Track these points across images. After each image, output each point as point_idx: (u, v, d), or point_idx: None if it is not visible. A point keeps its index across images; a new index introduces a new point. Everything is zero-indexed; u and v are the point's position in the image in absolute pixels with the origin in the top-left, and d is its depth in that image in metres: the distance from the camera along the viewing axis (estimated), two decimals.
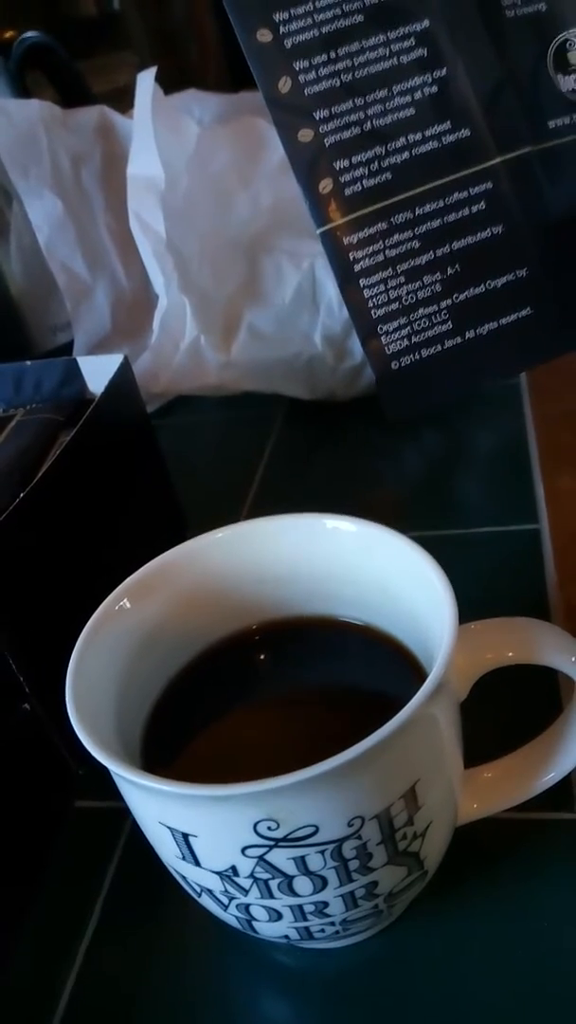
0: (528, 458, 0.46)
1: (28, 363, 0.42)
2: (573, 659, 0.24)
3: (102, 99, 0.66)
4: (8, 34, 0.74)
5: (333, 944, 0.26)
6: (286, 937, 0.25)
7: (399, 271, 0.41)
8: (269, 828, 0.21)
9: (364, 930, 0.26)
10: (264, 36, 0.40)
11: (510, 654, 0.25)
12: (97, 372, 0.40)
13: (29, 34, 0.74)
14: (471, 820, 0.27)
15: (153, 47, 0.98)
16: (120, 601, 0.27)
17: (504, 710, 0.30)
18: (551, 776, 0.26)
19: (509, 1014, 0.25)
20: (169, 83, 0.56)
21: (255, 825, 0.21)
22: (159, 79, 0.52)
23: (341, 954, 0.27)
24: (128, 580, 0.27)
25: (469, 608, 0.24)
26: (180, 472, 0.45)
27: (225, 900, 0.24)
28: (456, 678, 0.24)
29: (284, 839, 0.21)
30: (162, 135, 0.50)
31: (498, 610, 0.25)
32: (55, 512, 0.33)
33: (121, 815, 0.31)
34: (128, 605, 0.27)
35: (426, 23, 0.41)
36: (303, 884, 0.22)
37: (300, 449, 0.53)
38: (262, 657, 0.29)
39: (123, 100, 0.60)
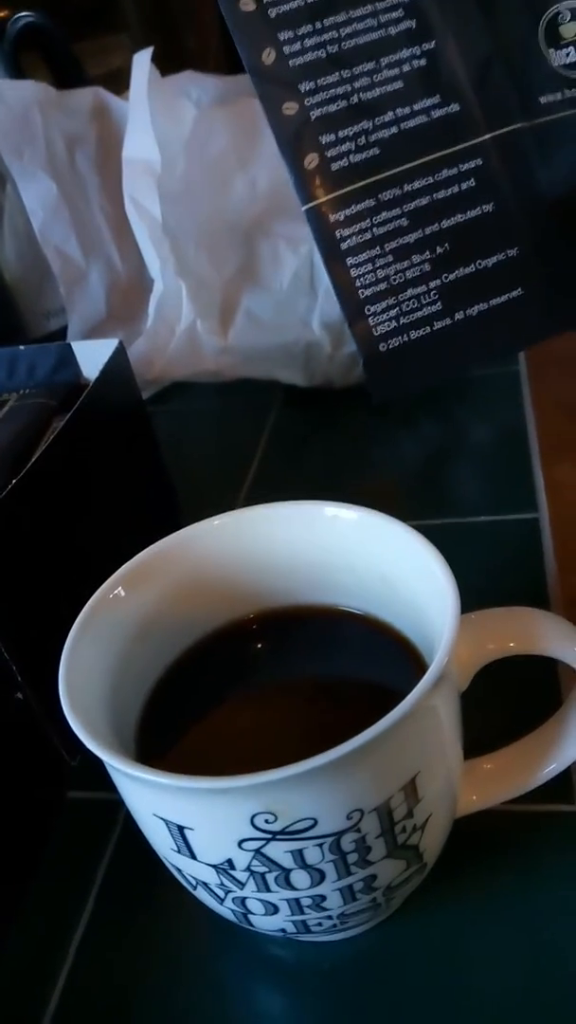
0: (527, 447, 0.45)
1: (21, 347, 0.42)
2: (575, 649, 0.24)
3: (98, 82, 0.65)
4: (2, 13, 0.73)
5: (330, 937, 0.26)
6: (283, 931, 0.24)
7: (387, 250, 0.40)
8: (267, 821, 0.21)
9: (362, 923, 0.26)
10: (247, 5, 0.39)
11: (512, 644, 0.24)
12: (91, 357, 0.40)
13: (24, 14, 0.73)
14: (470, 812, 0.26)
15: (150, 29, 0.96)
16: (115, 589, 0.26)
17: (504, 700, 0.29)
18: (552, 768, 0.26)
19: (507, 1007, 0.25)
20: (166, 65, 0.55)
21: (252, 818, 0.21)
22: (156, 61, 0.51)
23: (338, 947, 0.27)
24: (123, 568, 0.27)
25: (468, 598, 0.23)
26: (175, 459, 0.44)
27: (221, 893, 0.23)
28: (457, 668, 0.23)
29: (282, 832, 0.21)
30: (158, 117, 0.50)
31: (497, 600, 0.25)
32: (48, 498, 0.33)
33: (115, 806, 0.31)
34: (123, 593, 0.26)
35: None
36: (300, 877, 0.22)
37: (297, 437, 0.52)
38: (259, 646, 0.29)
39: (119, 83, 0.59)
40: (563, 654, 0.24)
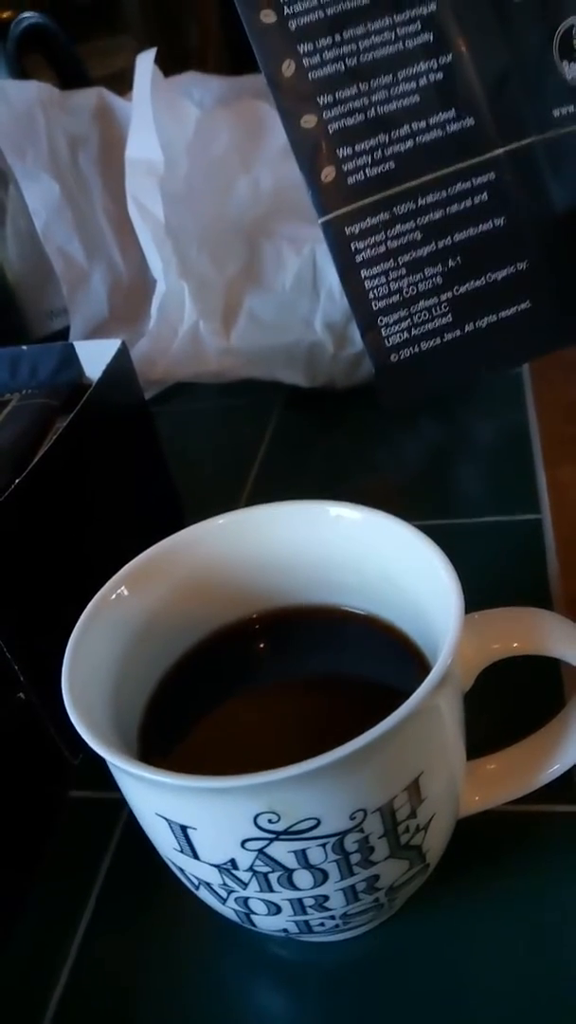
0: (530, 448, 0.45)
1: (24, 347, 0.42)
2: None
3: (100, 83, 0.65)
4: (5, 14, 0.73)
5: (332, 937, 0.26)
6: (285, 931, 0.24)
7: (400, 263, 0.41)
8: (270, 821, 0.21)
9: (364, 924, 0.26)
10: (268, 17, 0.39)
11: (515, 644, 0.24)
12: (94, 357, 0.40)
13: (27, 15, 0.73)
14: (473, 812, 0.26)
15: (152, 30, 0.97)
16: (118, 588, 0.26)
17: (506, 700, 0.29)
18: (555, 768, 0.26)
19: (510, 1008, 0.25)
20: (168, 67, 0.55)
21: (255, 818, 0.21)
22: (158, 62, 0.51)
23: (340, 947, 0.26)
24: (126, 567, 0.27)
25: (470, 598, 0.23)
26: (177, 460, 0.44)
27: (223, 893, 0.23)
28: (461, 668, 0.23)
29: (285, 832, 0.21)
30: (161, 118, 0.50)
31: (500, 600, 0.25)
32: (51, 498, 0.33)
33: (117, 806, 0.31)
34: (126, 592, 0.26)
35: (432, 7, 0.40)
36: (303, 877, 0.22)
37: (299, 438, 0.52)
38: (262, 646, 0.29)
39: (122, 84, 0.59)
40: (567, 654, 0.24)
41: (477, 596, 0.24)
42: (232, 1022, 0.26)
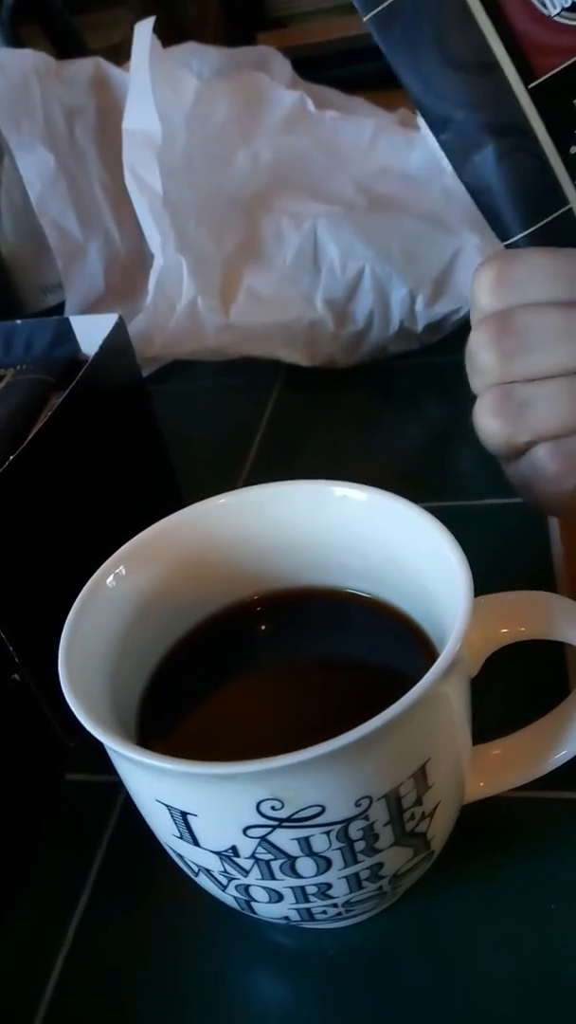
0: None
1: (19, 322, 0.41)
2: None
3: (97, 55, 0.63)
4: None
5: (334, 925, 0.26)
6: (286, 918, 0.24)
7: None
8: (273, 808, 0.20)
9: (366, 911, 0.25)
10: None
11: (524, 629, 0.24)
12: (90, 332, 0.39)
13: None
14: (478, 798, 0.26)
15: (149, 1, 0.95)
16: (116, 568, 0.26)
17: (511, 685, 0.29)
18: (562, 754, 0.26)
19: (512, 996, 0.24)
20: (167, 38, 0.54)
21: (259, 804, 0.20)
22: (157, 32, 0.50)
23: (341, 934, 0.26)
24: (125, 547, 0.26)
25: (474, 581, 0.22)
26: (175, 439, 0.43)
27: (224, 880, 0.23)
28: (469, 654, 0.23)
29: (288, 819, 0.20)
30: (160, 88, 0.48)
31: (503, 583, 0.24)
32: (47, 476, 0.32)
33: (114, 789, 0.31)
34: (124, 572, 0.26)
35: None
36: (306, 865, 0.22)
37: (298, 418, 0.51)
38: (263, 628, 0.28)
39: (119, 56, 0.58)
40: None
41: (480, 579, 0.23)
42: (231, 1009, 0.25)
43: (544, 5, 0.26)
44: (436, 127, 0.28)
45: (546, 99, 0.26)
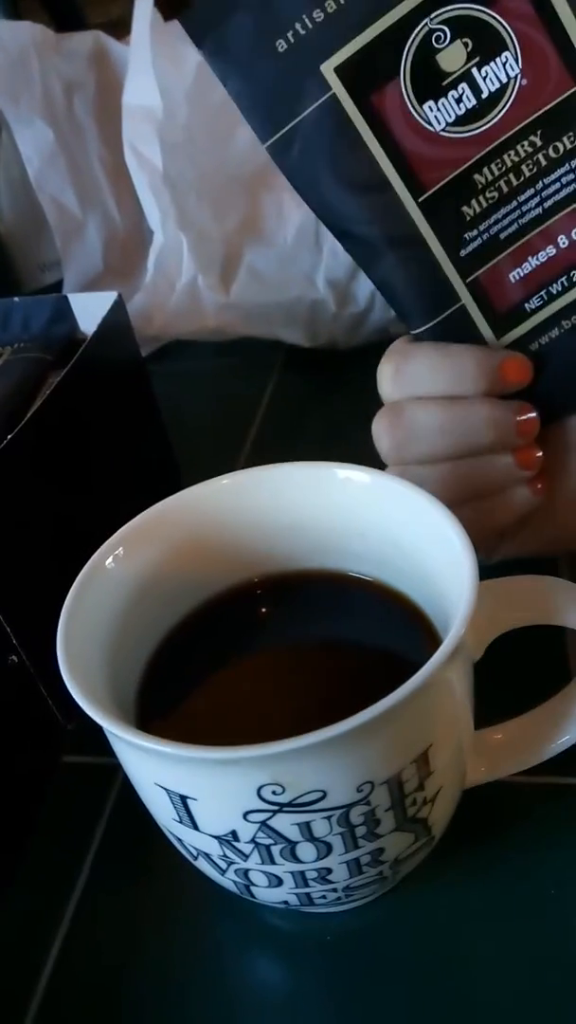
0: None
1: (16, 299, 0.40)
2: None
3: (97, 29, 0.62)
4: None
5: (333, 909, 0.25)
6: (285, 903, 0.24)
7: None
8: (274, 793, 0.20)
9: (366, 896, 0.25)
10: None
11: (528, 614, 0.23)
12: (89, 310, 0.38)
13: None
14: (479, 783, 0.26)
15: None
16: (115, 550, 0.25)
17: (512, 669, 0.28)
18: (564, 740, 0.25)
19: (511, 980, 0.24)
20: (167, 13, 0.53)
21: (259, 789, 0.20)
22: (158, 5, 0.49)
23: (340, 918, 0.26)
24: (124, 528, 0.26)
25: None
26: (174, 420, 0.43)
27: (223, 865, 0.23)
28: (472, 639, 0.23)
29: (289, 804, 0.20)
30: (160, 63, 0.48)
31: (505, 567, 0.24)
32: (45, 456, 0.31)
33: (112, 771, 0.30)
34: (123, 554, 0.25)
35: None
36: (307, 850, 0.21)
37: (299, 399, 0.51)
38: (264, 611, 0.28)
39: (118, 30, 0.57)
40: None
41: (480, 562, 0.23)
42: (229, 993, 0.25)
43: (429, 123, 0.27)
44: (339, 238, 0.30)
45: (436, 210, 0.28)
